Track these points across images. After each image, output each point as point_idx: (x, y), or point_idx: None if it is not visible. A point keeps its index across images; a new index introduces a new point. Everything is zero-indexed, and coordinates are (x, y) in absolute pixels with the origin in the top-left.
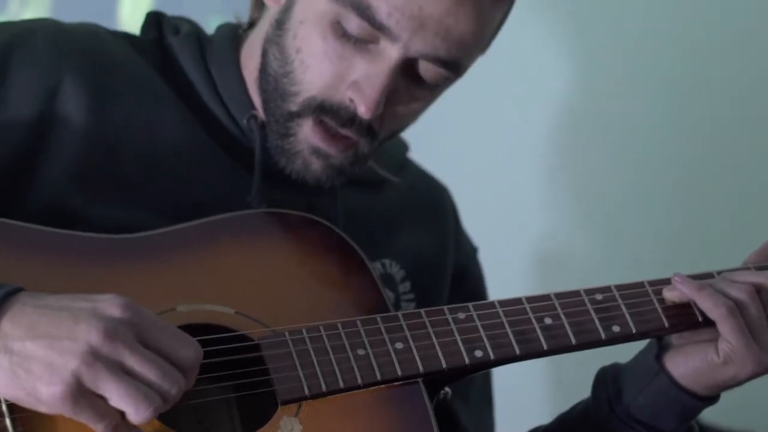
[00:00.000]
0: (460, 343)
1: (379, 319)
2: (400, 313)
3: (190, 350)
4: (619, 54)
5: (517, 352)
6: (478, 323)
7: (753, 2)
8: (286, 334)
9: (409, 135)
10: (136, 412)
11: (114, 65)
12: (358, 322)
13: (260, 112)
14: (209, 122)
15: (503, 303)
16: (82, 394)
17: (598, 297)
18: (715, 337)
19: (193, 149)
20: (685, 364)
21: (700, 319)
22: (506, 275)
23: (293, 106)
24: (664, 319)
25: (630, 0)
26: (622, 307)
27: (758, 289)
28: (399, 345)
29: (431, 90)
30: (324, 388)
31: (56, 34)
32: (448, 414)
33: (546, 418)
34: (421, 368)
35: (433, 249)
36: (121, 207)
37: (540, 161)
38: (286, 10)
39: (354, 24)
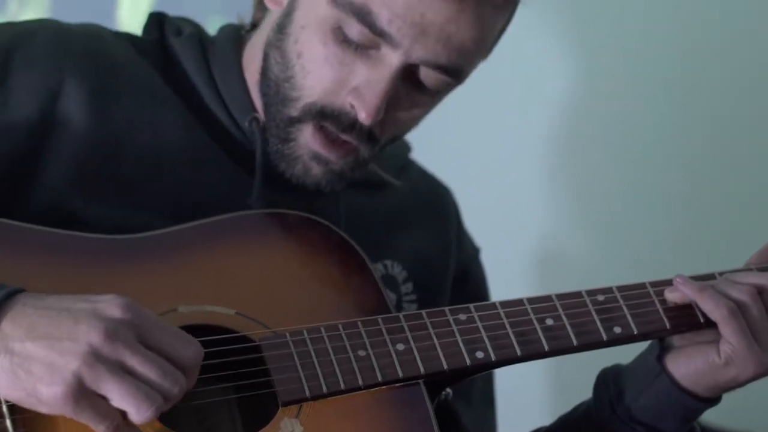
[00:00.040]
0: (461, 344)
1: (380, 320)
2: (401, 314)
3: (190, 350)
4: (619, 54)
5: (519, 353)
6: (480, 324)
7: (753, 2)
8: (287, 335)
9: (409, 136)
10: (137, 412)
11: (115, 66)
12: (359, 323)
13: (261, 115)
14: (210, 124)
15: (504, 304)
16: (83, 394)
17: (600, 298)
18: (717, 339)
19: (194, 151)
20: (687, 365)
21: (701, 321)
22: (506, 275)
23: (294, 112)
24: (666, 321)
25: (630, 0)
26: (624, 308)
27: (760, 291)
28: (400, 346)
29: (432, 96)
30: (325, 389)
31: (58, 34)
32: (449, 415)
33: (547, 420)
34: (422, 369)
35: (435, 250)
36: (122, 208)
37: (540, 161)
38: (288, 15)
39: (355, 30)
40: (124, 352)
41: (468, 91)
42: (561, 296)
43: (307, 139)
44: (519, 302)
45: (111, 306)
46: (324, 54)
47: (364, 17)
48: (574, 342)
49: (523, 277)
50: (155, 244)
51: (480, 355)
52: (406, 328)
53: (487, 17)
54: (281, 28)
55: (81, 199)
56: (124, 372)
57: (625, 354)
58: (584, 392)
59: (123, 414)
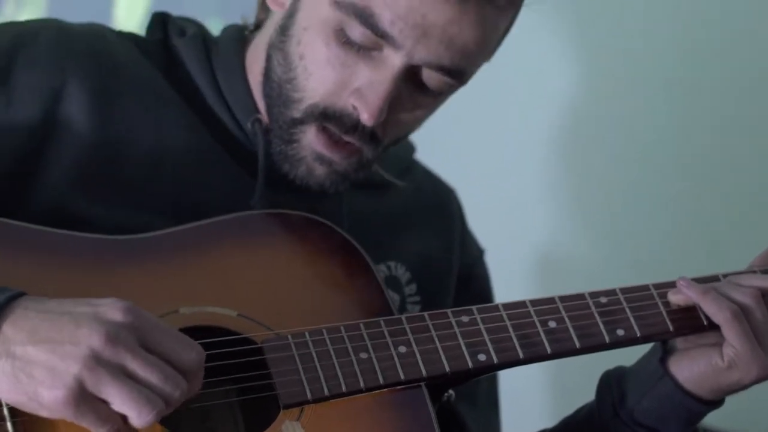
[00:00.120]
0: (463, 347)
1: (382, 323)
2: (403, 317)
3: (192, 353)
4: (621, 56)
5: (521, 355)
6: (482, 327)
7: (753, 2)
8: (289, 337)
9: (412, 137)
10: (138, 416)
11: (118, 66)
12: (362, 326)
13: (264, 116)
14: (213, 125)
15: (507, 306)
16: (84, 398)
17: (603, 300)
18: (720, 341)
19: (197, 152)
20: (690, 368)
21: (705, 323)
22: (508, 278)
23: (296, 113)
24: (669, 323)
25: (631, 1)
26: (627, 310)
27: (764, 293)
28: (402, 348)
29: (435, 97)
30: (326, 391)
31: (60, 34)
32: (451, 417)
33: (549, 422)
34: (424, 372)
35: (439, 251)
36: (124, 208)
37: (542, 163)
38: (290, 16)
39: (357, 32)
40: (125, 356)
41: (471, 92)
42: (564, 298)
43: (310, 140)
44: (522, 304)
45: (112, 309)
46: (326, 55)
47: (367, 19)
48: (577, 344)
49: (524, 279)
50: (157, 245)
51: (482, 357)
52: (408, 330)
53: (490, 19)
54: (284, 29)
55: (84, 199)
56: (125, 376)
57: (628, 356)
58: (587, 395)
59: (124, 418)
